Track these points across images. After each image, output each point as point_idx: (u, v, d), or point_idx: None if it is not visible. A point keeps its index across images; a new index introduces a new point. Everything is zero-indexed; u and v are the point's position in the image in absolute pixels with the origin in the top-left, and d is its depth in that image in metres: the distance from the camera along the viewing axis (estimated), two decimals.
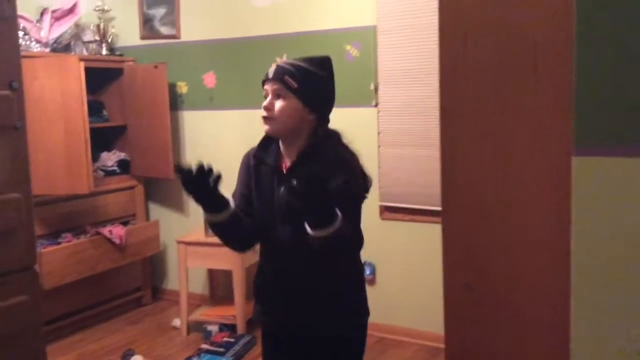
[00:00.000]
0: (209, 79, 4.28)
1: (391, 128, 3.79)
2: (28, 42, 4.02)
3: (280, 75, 1.83)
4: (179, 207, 4.54)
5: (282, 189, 1.80)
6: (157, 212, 4.61)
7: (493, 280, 1.21)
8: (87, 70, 3.85)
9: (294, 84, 1.82)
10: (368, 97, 3.77)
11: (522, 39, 1.19)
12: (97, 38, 4.37)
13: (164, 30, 4.40)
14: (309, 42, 3.85)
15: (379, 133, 3.79)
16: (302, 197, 1.56)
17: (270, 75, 1.85)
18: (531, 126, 1.20)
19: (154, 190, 4.58)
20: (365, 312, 2.00)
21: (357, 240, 1.83)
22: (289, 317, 1.93)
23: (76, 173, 3.78)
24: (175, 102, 4.37)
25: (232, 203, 1.91)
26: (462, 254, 1.22)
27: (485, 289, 1.22)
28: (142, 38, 4.47)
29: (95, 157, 4.25)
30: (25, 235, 1.30)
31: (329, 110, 1.94)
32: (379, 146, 3.76)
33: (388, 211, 3.79)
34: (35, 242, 1.37)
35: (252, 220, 1.96)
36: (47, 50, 4.10)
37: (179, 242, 3.99)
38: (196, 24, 4.28)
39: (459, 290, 1.26)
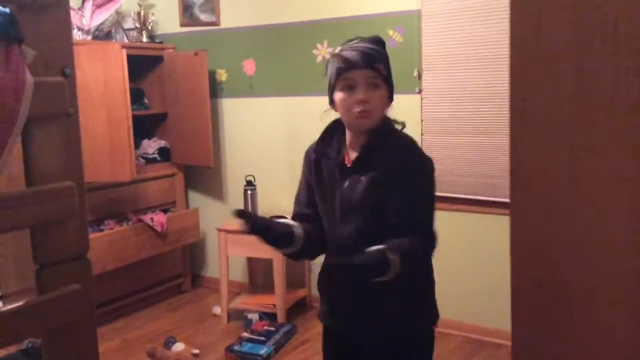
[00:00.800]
0: (249, 66, 4.25)
1: (435, 115, 3.71)
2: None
3: (372, 61, 1.70)
4: (218, 195, 4.53)
5: (347, 183, 1.75)
6: (197, 200, 4.60)
7: (566, 279, 1.14)
8: (128, 57, 3.84)
9: (384, 71, 1.72)
10: (411, 83, 3.70)
11: (601, 15, 1.09)
12: (138, 25, 4.36)
13: (204, 17, 4.37)
14: (350, 28, 3.78)
15: (422, 120, 3.72)
16: (366, 273, 1.56)
17: (361, 61, 1.70)
18: (612, 113, 1.12)
19: (194, 178, 4.57)
20: (435, 314, 1.91)
21: (431, 244, 1.76)
22: (357, 319, 1.84)
23: (119, 161, 3.79)
24: (215, 90, 4.35)
25: (298, 230, 1.82)
26: (532, 249, 1.16)
27: (557, 287, 1.15)
28: (182, 25, 4.45)
29: (136, 145, 4.24)
30: (78, 223, 1.28)
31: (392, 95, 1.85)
32: (422, 134, 3.69)
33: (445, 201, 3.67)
34: (88, 230, 1.35)
35: (319, 227, 1.87)
36: (89, 37, 4.10)
37: (220, 230, 3.97)
38: (236, 10, 4.25)
39: (528, 286, 1.19)
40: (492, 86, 3.51)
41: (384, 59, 1.76)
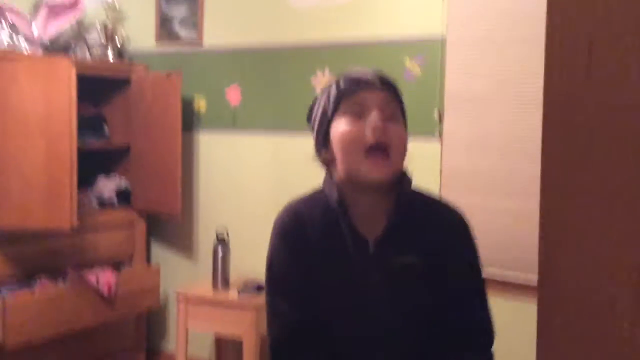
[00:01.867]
0: (233, 94, 3.66)
1: (458, 167, 3.02)
2: (16, 40, 3.36)
3: (391, 84, 1.37)
4: (186, 251, 3.90)
5: (376, 274, 1.32)
6: (160, 255, 3.97)
7: None
8: (88, 78, 3.35)
9: (402, 105, 1.40)
10: (429, 126, 3.07)
11: None
12: (103, 40, 3.76)
13: (184, 33, 3.81)
14: (358, 54, 3.24)
15: (441, 172, 3.06)
16: None
17: (377, 81, 1.34)
18: None
19: (158, 229, 3.96)
20: None
21: (490, 336, 1.44)
22: None
23: (57, 204, 3.14)
24: (191, 121, 3.78)
25: None
26: (565, 346, 0.86)
27: None
28: (158, 42, 3.88)
29: (90, 183, 3.70)
30: None
31: None
32: (440, 189, 3.02)
33: None
34: None
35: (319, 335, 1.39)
36: (39, 50, 3.44)
37: (179, 297, 3.32)
38: (222, 27, 3.71)
39: None
40: (533, 135, 2.77)
41: (401, 96, 1.42)
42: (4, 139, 3.06)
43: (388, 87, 1.35)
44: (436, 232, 1.35)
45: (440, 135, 3.05)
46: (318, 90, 3.38)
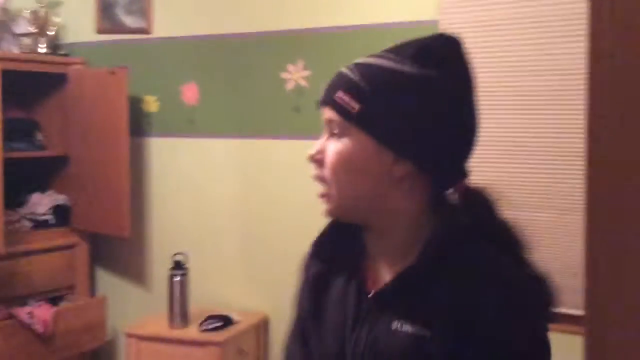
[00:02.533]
0: (190, 93, 3.35)
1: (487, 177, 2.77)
2: None
3: (333, 91, 1.05)
4: (137, 278, 3.54)
5: (365, 329, 1.06)
6: (106, 285, 3.63)
7: None
8: (16, 75, 3.06)
9: (354, 105, 1.02)
10: None
11: None
12: (33, 30, 3.37)
13: (130, 21, 3.44)
14: (336, 43, 2.99)
15: None
16: None
17: (324, 94, 1.08)
18: None
19: (103, 253, 3.62)
20: None
21: None
22: None
23: None
24: (140, 125, 3.46)
25: None
26: None
27: None
28: (99, 32, 3.51)
29: (21, 201, 3.33)
30: None
31: (456, 156, 1.06)
32: None
33: None
34: None
35: None
36: None
37: (129, 336, 2.99)
38: (175, 14, 3.39)
39: None
40: (550, 134, 2.61)
41: (381, 80, 1.02)
42: None
43: (329, 98, 1.07)
44: (464, 297, 1.00)
45: None
46: (290, 87, 3.10)
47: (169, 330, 2.92)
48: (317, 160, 1.07)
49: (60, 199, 3.40)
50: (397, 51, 1.04)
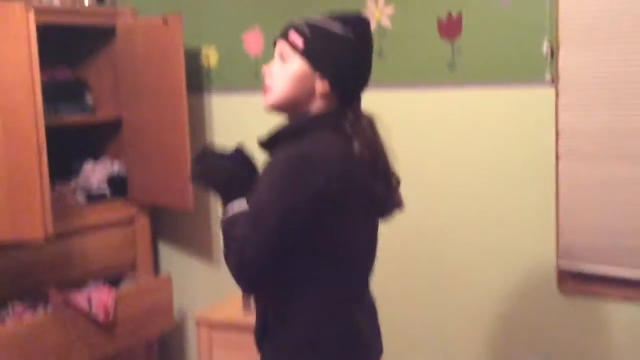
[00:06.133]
0: (254, 42, 3.15)
1: (582, 124, 2.47)
2: None
3: (286, 31, 1.70)
4: (205, 255, 3.41)
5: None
6: (171, 262, 3.53)
7: None
8: (59, 30, 2.98)
9: (300, 42, 1.67)
10: (537, 66, 2.55)
11: None
12: None
13: None
14: None
15: (557, 133, 2.49)
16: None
17: (281, 32, 1.74)
18: None
19: (166, 227, 3.53)
20: None
21: (236, 253, 1.54)
22: None
23: (22, 207, 2.67)
24: (199, 80, 3.38)
25: None
26: None
27: None
28: None
29: (73, 171, 3.22)
30: None
31: (356, 85, 1.70)
32: (556, 158, 2.49)
33: (574, 280, 2.54)
34: None
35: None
36: None
37: (199, 321, 2.84)
38: None
39: None
40: None
41: (317, 30, 1.66)
42: None
43: (284, 36, 1.66)
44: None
45: (554, 79, 2.44)
46: (373, 27, 2.72)
47: (244, 315, 2.75)
48: (269, 73, 1.67)
49: (115, 168, 3.27)
50: (332, 18, 1.62)
